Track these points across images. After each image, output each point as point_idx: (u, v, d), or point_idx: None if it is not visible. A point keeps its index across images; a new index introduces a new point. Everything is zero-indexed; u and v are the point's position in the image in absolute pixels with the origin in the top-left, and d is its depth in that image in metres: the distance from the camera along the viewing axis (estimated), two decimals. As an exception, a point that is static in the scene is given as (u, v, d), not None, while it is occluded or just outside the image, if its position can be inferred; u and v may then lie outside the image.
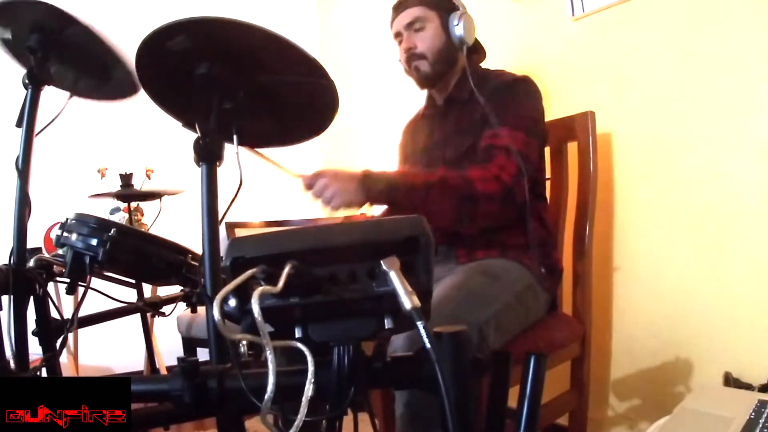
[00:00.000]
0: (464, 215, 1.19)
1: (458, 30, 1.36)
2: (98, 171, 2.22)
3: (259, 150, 1.09)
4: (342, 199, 1.13)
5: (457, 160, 1.36)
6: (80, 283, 1.08)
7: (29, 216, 1.08)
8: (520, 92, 1.35)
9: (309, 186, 1.16)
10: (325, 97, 0.90)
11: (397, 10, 1.43)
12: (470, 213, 1.19)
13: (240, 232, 2.43)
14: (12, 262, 1.05)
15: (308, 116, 0.99)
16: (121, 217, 2.23)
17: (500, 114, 1.28)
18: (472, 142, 1.32)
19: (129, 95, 1.23)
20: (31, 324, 1.09)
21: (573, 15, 1.63)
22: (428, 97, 1.54)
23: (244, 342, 0.72)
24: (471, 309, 1.11)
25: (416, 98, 1.65)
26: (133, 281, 1.48)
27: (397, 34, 1.43)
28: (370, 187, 1.15)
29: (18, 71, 1.11)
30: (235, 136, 0.90)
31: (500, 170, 1.21)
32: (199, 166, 0.84)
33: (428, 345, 0.51)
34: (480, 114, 1.31)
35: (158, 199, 2.10)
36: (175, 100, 0.95)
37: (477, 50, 1.49)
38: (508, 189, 1.21)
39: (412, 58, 1.40)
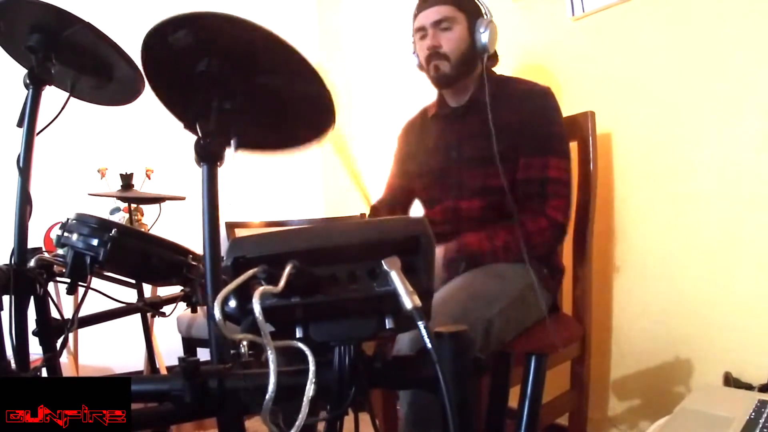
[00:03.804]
0: (526, 259, 1.26)
1: (484, 37, 1.36)
2: (98, 171, 2.22)
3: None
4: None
5: (478, 162, 1.37)
6: (81, 283, 1.08)
7: (30, 215, 1.08)
8: (553, 106, 1.38)
9: None
10: (323, 103, 0.90)
11: (426, 3, 1.40)
12: (531, 256, 1.27)
13: (240, 232, 2.43)
14: (13, 261, 1.05)
15: (307, 123, 0.98)
16: (121, 217, 2.23)
17: (542, 136, 1.34)
18: (501, 148, 1.31)
19: (130, 97, 1.23)
20: (32, 324, 1.09)
21: (573, 15, 1.63)
22: (439, 97, 1.53)
23: (245, 342, 0.72)
24: (475, 309, 1.11)
25: (417, 98, 1.65)
26: (133, 281, 1.48)
27: (421, 29, 1.41)
28: (456, 269, 1.28)
29: (19, 71, 1.11)
30: (232, 141, 0.90)
31: (555, 211, 1.31)
32: (199, 166, 0.84)
33: (429, 345, 0.51)
34: (506, 119, 1.32)
35: (158, 204, 2.10)
36: (176, 100, 0.95)
37: (492, 55, 1.49)
38: (561, 228, 1.34)
39: (433, 56, 1.39)
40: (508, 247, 1.29)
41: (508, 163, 1.32)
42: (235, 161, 0.91)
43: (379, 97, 2.56)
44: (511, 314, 1.19)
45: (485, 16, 1.38)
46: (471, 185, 1.38)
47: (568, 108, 1.46)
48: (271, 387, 0.50)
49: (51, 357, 1.13)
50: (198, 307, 1.26)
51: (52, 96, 1.15)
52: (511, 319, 1.19)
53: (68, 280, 1.07)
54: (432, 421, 0.97)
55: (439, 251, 1.28)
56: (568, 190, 1.35)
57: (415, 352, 0.99)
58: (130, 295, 1.42)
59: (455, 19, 1.37)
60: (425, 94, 1.59)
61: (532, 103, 1.36)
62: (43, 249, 1.19)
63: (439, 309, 1.06)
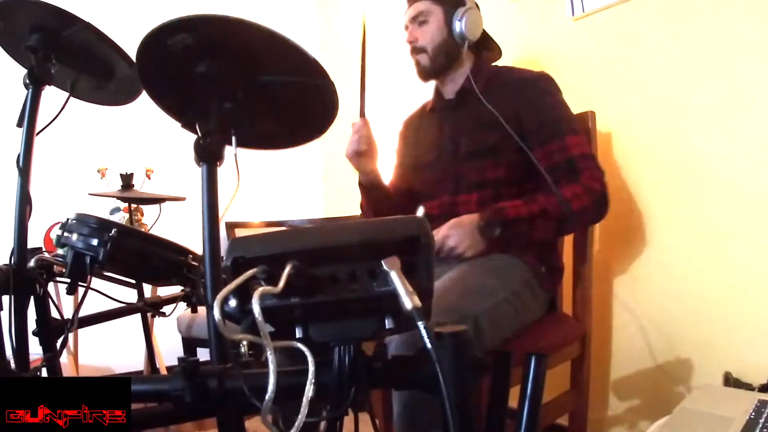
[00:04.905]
0: (566, 230, 1.29)
1: (460, 26, 1.37)
2: (98, 171, 2.22)
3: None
4: (471, 252, 1.25)
5: (473, 156, 1.37)
6: (80, 283, 1.08)
7: (30, 215, 1.08)
8: (552, 90, 1.37)
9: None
10: (325, 99, 0.90)
11: (408, 3, 1.46)
12: (571, 227, 1.29)
13: (240, 232, 2.43)
14: (12, 262, 1.05)
15: (308, 118, 0.98)
16: (121, 217, 2.23)
17: (551, 121, 1.31)
18: (496, 139, 1.32)
19: (130, 98, 1.23)
20: (32, 324, 1.09)
21: (573, 15, 1.63)
22: (435, 91, 1.54)
23: (245, 342, 0.72)
24: (467, 301, 1.10)
25: (418, 97, 1.65)
26: (133, 281, 1.48)
27: (405, 27, 1.47)
28: (490, 235, 1.25)
29: (19, 71, 1.11)
30: (233, 138, 0.90)
31: (591, 180, 1.27)
32: (199, 166, 0.84)
33: (429, 345, 0.51)
34: (503, 109, 1.31)
35: (158, 204, 2.10)
36: (175, 100, 0.95)
37: (489, 47, 1.50)
38: (601, 195, 1.28)
39: (413, 51, 1.44)
40: (545, 211, 1.24)
41: (506, 155, 1.32)
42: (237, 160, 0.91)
43: (379, 97, 2.56)
44: (505, 310, 1.18)
45: (464, 5, 1.38)
46: (467, 179, 1.38)
47: (568, 108, 1.47)
48: (270, 387, 0.50)
49: (51, 357, 1.13)
50: (198, 307, 1.26)
51: (52, 96, 1.15)
52: (503, 315, 1.17)
53: (68, 280, 1.07)
54: (426, 421, 0.96)
55: (474, 217, 1.25)
56: (597, 162, 1.32)
57: (413, 352, 0.99)
58: (130, 295, 1.43)
59: (430, 12, 1.41)
60: (427, 92, 1.59)
61: (529, 90, 1.36)
62: (43, 249, 1.20)
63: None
